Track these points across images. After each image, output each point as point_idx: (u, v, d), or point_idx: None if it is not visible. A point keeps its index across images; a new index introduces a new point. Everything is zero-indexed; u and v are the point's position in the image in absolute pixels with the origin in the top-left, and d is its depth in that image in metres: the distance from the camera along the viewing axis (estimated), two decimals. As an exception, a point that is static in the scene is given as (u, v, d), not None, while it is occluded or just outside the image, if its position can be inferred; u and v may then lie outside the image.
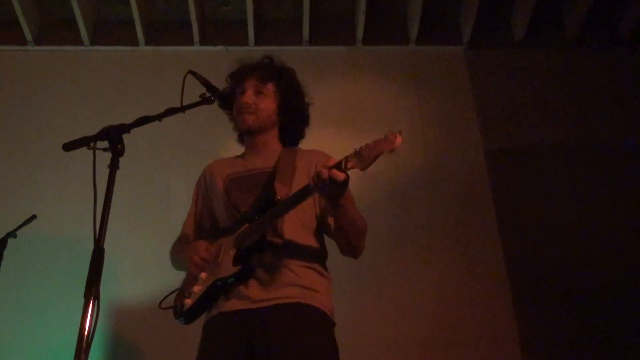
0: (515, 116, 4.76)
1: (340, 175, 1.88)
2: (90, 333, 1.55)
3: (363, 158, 1.83)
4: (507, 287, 4.15)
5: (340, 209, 2.08)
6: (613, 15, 5.01)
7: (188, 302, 2.25)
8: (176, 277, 2.44)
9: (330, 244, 2.37)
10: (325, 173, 1.89)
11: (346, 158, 1.88)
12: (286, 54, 4.77)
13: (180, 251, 2.47)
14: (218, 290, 2.21)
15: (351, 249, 2.29)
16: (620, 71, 4.94)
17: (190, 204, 2.60)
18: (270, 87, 2.51)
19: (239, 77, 2.55)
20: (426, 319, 4.04)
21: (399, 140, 1.77)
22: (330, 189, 1.94)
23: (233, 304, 2.17)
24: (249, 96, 2.47)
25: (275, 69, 2.58)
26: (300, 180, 2.32)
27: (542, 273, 4.17)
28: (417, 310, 4.06)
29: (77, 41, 4.89)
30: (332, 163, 1.92)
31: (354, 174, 1.91)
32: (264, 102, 2.47)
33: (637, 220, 4.30)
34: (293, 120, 2.55)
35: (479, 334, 4.00)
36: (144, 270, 3.69)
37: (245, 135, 2.54)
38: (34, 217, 3.41)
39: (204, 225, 2.52)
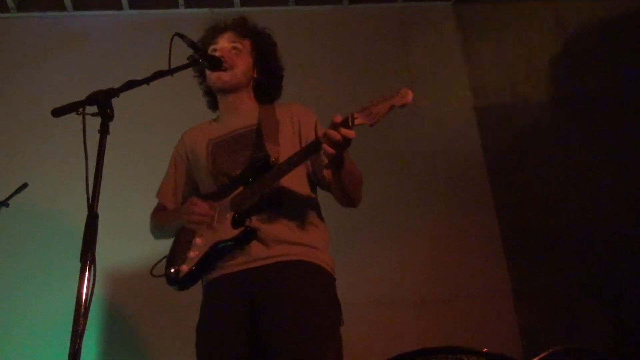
0: (505, 71, 4.75)
1: (350, 134, 1.89)
2: (88, 298, 1.55)
3: (372, 114, 1.84)
4: (500, 242, 4.20)
5: (340, 164, 2.07)
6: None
7: (184, 268, 2.23)
8: (170, 241, 2.43)
9: (326, 206, 2.37)
10: (336, 134, 1.89)
11: (352, 115, 1.88)
12: (272, 14, 4.81)
13: (164, 218, 2.46)
14: (218, 253, 2.20)
15: (350, 200, 2.29)
16: (611, 22, 4.91)
17: (167, 172, 2.58)
18: (246, 43, 2.49)
19: (213, 34, 2.52)
20: (422, 276, 4.09)
21: (410, 95, 1.80)
22: (339, 148, 1.94)
23: (234, 265, 2.18)
24: (223, 50, 2.43)
25: (251, 27, 2.55)
26: (285, 136, 2.33)
27: (533, 228, 4.21)
28: (413, 267, 4.11)
29: (60, 6, 4.79)
30: (337, 120, 1.91)
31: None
32: (239, 57, 2.44)
33: (629, 174, 4.32)
34: (269, 77, 2.53)
35: (473, 289, 4.06)
36: (138, 235, 3.69)
37: (220, 94, 2.50)
38: (25, 185, 3.40)
39: (185, 194, 2.50)
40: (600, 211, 4.18)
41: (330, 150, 1.93)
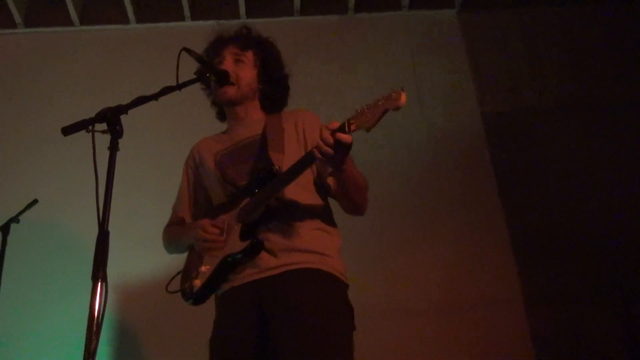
0: (511, 77, 4.74)
1: (346, 138, 1.86)
2: (100, 315, 1.55)
3: (367, 118, 1.81)
4: (510, 248, 4.18)
5: (342, 171, 2.05)
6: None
7: (197, 282, 2.23)
8: (182, 256, 2.44)
9: (340, 214, 2.37)
10: (330, 138, 1.86)
11: (348, 120, 1.86)
12: (278, 25, 4.81)
13: (177, 234, 2.45)
14: (228, 267, 2.19)
15: (355, 208, 2.27)
16: (616, 26, 4.90)
17: (180, 186, 2.57)
18: (249, 55, 2.47)
19: (216, 47, 2.51)
20: (434, 284, 4.08)
21: (403, 97, 1.75)
22: (336, 154, 1.91)
23: (243, 277, 2.16)
24: (228, 64, 2.42)
25: (253, 37, 2.54)
26: (290, 143, 2.31)
27: (543, 233, 4.19)
28: (424, 275, 4.10)
29: (67, 21, 4.83)
30: (334, 126, 1.88)
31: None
32: (243, 70, 2.43)
33: (638, 176, 4.30)
34: (275, 87, 2.51)
35: (485, 297, 4.04)
36: (149, 251, 3.71)
37: (227, 107, 2.50)
38: (35, 201, 3.42)
39: (199, 205, 2.50)
40: (612, 218, 4.16)
41: (325, 153, 1.90)
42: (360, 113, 1.84)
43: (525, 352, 3.93)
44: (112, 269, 1.66)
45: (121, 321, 3.87)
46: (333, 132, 1.87)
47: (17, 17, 4.75)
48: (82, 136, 1.82)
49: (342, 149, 1.90)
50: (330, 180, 2.25)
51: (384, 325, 3.89)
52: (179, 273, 2.37)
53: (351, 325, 2.15)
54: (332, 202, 2.39)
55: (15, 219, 3.37)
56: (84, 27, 4.88)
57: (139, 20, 4.89)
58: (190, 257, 2.38)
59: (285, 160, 2.21)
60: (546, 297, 4.04)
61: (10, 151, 4.36)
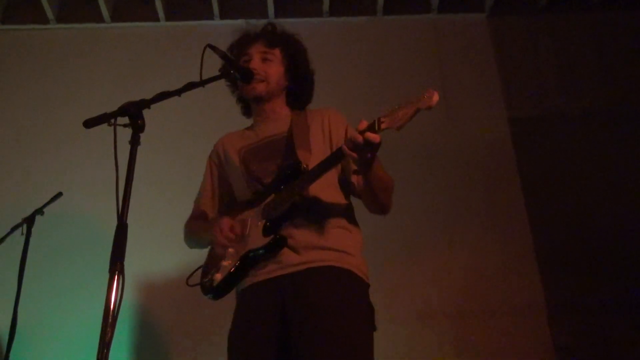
0: (539, 83, 4.70)
1: (375, 138, 1.85)
2: (116, 308, 1.56)
3: (398, 117, 1.80)
4: (534, 255, 4.14)
5: (370, 170, 2.05)
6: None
7: (218, 276, 2.22)
8: (201, 250, 2.44)
9: (361, 219, 2.36)
10: (359, 137, 1.86)
11: (378, 119, 1.86)
12: (307, 25, 4.82)
13: (198, 229, 2.45)
14: (249, 262, 2.19)
15: (380, 207, 2.26)
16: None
17: (203, 180, 2.58)
18: (277, 53, 2.48)
19: (243, 44, 2.52)
20: (456, 291, 4.05)
21: (436, 96, 1.75)
22: (365, 153, 1.92)
23: (265, 273, 2.16)
24: (256, 62, 2.43)
25: (280, 34, 2.54)
26: (317, 142, 2.32)
27: (568, 242, 4.15)
28: (446, 282, 4.08)
29: (98, 18, 4.90)
30: (363, 125, 1.88)
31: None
32: (271, 68, 2.44)
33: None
34: (302, 84, 2.53)
35: (507, 304, 4.00)
36: (170, 244, 3.73)
37: (254, 103, 2.51)
38: (60, 194, 3.45)
39: (222, 200, 2.51)
40: (638, 226, 4.10)
41: (352, 154, 1.91)
42: (391, 112, 1.83)
43: (547, 361, 3.90)
44: (135, 263, 1.67)
45: (142, 315, 3.90)
46: (362, 131, 1.87)
47: (50, 14, 4.83)
48: (107, 130, 1.83)
49: (371, 148, 1.90)
50: (355, 179, 2.26)
51: (404, 327, 3.88)
52: (200, 267, 2.37)
53: (372, 325, 2.14)
54: (354, 201, 2.38)
55: (40, 211, 3.41)
56: (114, 24, 4.94)
57: (169, 18, 4.94)
58: (212, 252, 2.37)
59: (312, 158, 2.21)
60: (569, 305, 3.99)
61: (38, 145, 4.43)
